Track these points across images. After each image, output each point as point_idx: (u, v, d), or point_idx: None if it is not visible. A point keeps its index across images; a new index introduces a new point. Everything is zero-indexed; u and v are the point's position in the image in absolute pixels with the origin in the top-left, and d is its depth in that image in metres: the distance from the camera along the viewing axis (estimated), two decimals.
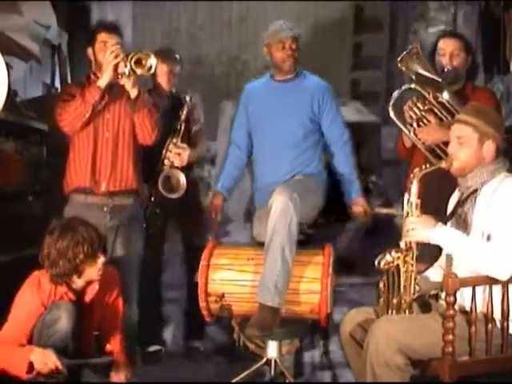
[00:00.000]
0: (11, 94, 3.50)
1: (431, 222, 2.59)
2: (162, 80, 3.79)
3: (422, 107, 3.17)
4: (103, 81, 3.28)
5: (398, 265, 2.60)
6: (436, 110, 3.16)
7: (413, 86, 3.16)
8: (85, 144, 3.38)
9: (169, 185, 3.66)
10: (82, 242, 2.75)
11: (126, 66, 3.25)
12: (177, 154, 3.68)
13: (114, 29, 3.45)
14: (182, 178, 3.65)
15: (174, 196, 3.66)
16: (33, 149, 4.12)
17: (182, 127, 3.70)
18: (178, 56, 3.85)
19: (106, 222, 3.28)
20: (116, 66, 3.26)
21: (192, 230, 3.85)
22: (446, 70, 3.25)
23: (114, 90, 3.39)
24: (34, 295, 2.78)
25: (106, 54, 3.27)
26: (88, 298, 2.90)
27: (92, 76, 3.45)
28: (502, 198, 2.54)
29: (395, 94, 3.21)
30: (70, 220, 2.88)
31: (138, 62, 3.27)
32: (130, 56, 3.25)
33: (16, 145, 3.91)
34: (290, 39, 3.46)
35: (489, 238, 2.54)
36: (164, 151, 3.68)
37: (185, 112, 3.71)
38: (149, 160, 3.60)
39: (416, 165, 2.90)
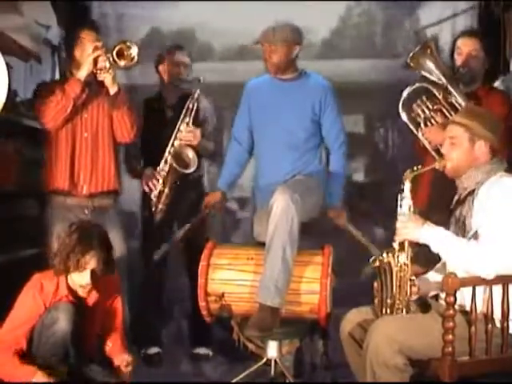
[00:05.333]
0: (11, 93, 3.50)
1: (420, 221, 2.59)
2: (173, 71, 3.89)
3: (431, 107, 3.14)
4: (82, 73, 3.27)
5: (390, 264, 2.60)
6: (445, 111, 3.12)
7: (424, 84, 3.13)
8: (62, 144, 3.37)
9: (181, 161, 3.69)
10: (76, 253, 2.72)
11: (107, 59, 3.24)
12: (190, 132, 3.68)
13: (92, 26, 3.45)
14: (193, 154, 3.68)
15: (187, 171, 3.69)
16: (33, 149, 4.11)
17: (195, 107, 3.69)
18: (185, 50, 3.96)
19: None
20: (96, 60, 3.26)
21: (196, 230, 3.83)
22: (461, 70, 3.21)
23: (92, 89, 3.38)
24: (36, 298, 2.77)
25: (86, 47, 3.27)
26: (90, 299, 2.89)
27: (68, 73, 3.45)
28: (493, 196, 2.54)
29: (405, 92, 3.18)
30: (91, 227, 2.84)
31: (120, 54, 3.25)
32: (112, 47, 3.24)
33: (16, 145, 3.91)
34: (267, 45, 3.39)
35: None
36: (175, 132, 3.69)
37: (195, 96, 3.70)
38: (156, 144, 3.70)
39: (428, 165, 2.86)
